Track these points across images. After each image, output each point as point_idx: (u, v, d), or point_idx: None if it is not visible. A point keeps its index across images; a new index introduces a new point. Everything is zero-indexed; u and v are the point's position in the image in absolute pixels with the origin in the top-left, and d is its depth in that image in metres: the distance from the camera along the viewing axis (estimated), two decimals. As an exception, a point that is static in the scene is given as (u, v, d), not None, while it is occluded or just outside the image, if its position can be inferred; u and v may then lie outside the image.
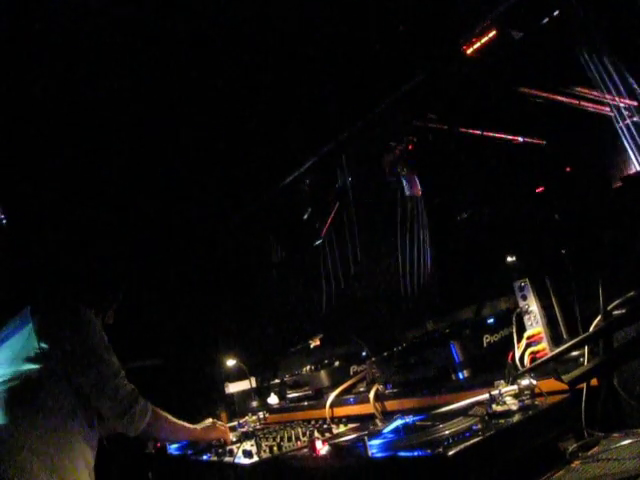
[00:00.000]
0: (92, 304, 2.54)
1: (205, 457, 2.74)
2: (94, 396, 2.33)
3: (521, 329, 2.31)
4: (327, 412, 2.96)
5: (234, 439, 2.86)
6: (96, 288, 2.66)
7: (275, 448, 2.42)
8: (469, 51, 3.00)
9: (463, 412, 2.00)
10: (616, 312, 1.92)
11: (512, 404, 1.91)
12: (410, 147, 3.51)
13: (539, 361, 2.05)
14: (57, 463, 2.19)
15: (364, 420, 2.69)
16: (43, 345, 2.30)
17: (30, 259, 3.73)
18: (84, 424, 2.34)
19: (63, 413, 2.26)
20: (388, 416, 2.53)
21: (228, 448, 2.67)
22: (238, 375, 3.89)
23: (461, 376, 2.46)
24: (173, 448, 3.09)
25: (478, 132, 3.24)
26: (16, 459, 2.11)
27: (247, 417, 3.19)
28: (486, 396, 1.99)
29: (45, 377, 2.27)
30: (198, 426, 2.76)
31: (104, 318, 2.66)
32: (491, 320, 2.62)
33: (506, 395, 1.97)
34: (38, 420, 2.20)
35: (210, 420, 2.86)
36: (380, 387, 2.77)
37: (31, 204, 3.93)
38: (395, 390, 2.73)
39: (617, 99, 3.17)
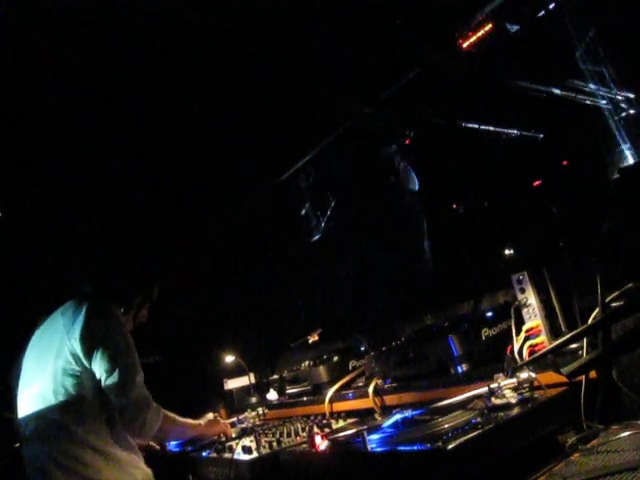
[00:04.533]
0: (121, 302, 2.51)
1: (204, 453, 2.73)
2: (113, 394, 2.32)
3: (520, 322, 2.31)
4: (326, 407, 2.95)
5: (233, 435, 2.86)
6: (127, 286, 2.61)
7: (274, 444, 2.42)
8: (465, 45, 3.00)
9: (462, 406, 2.00)
10: (614, 304, 1.92)
11: (511, 397, 1.91)
12: (407, 141, 3.50)
13: (538, 354, 2.04)
14: (111, 450, 2.28)
15: (363, 415, 2.69)
16: (74, 343, 2.29)
17: (61, 256, 3.68)
18: None
19: (108, 406, 2.32)
20: (387, 410, 2.53)
21: (227, 444, 2.67)
22: (237, 371, 3.88)
23: (460, 370, 2.46)
24: (172, 445, 3.09)
25: (475, 126, 3.24)
26: (73, 451, 2.20)
27: (246, 413, 3.18)
28: (485, 389, 1.99)
29: (81, 375, 2.30)
30: (201, 421, 2.79)
31: (135, 317, 2.64)
32: (489, 313, 2.62)
33: (505, 388, 1.97)
34: (85, 414, 2.27)
35: (211, 414, 2.88)
36: (379, 382, 2.76)
37: (52, 201, 3.90)
38: (394, 384, 2.72)
39: (613, 92, 3.17)
